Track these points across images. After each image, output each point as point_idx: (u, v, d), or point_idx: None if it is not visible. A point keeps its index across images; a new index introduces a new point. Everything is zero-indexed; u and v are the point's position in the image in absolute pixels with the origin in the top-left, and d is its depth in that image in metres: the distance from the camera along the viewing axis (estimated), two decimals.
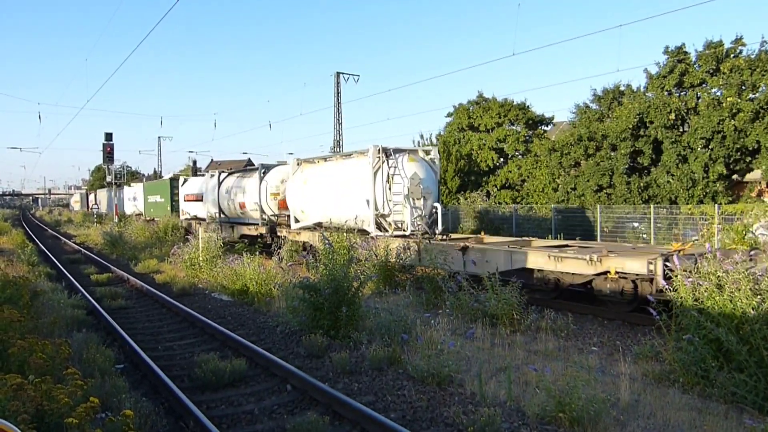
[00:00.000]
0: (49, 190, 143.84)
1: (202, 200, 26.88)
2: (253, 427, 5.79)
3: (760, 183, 22.83)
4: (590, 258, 9.78)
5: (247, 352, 8.13)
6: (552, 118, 32.58)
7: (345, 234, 13.34)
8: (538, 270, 11.04)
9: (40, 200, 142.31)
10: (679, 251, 9.03)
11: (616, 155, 23.52)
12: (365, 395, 6.46)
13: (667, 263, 8.50)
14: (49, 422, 4.02)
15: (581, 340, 8.89)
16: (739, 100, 20.84)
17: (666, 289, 7.25)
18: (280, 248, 16.10)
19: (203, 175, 28.91)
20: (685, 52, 23.36)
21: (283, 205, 20.20)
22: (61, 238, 34.74)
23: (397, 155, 15.36)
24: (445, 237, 14.77)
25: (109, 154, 32.03)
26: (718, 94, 22.17)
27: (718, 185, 21.34)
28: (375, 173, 15.19)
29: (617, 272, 9.62)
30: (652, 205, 20.98)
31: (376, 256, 13.27)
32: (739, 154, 21.17)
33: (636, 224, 21.70)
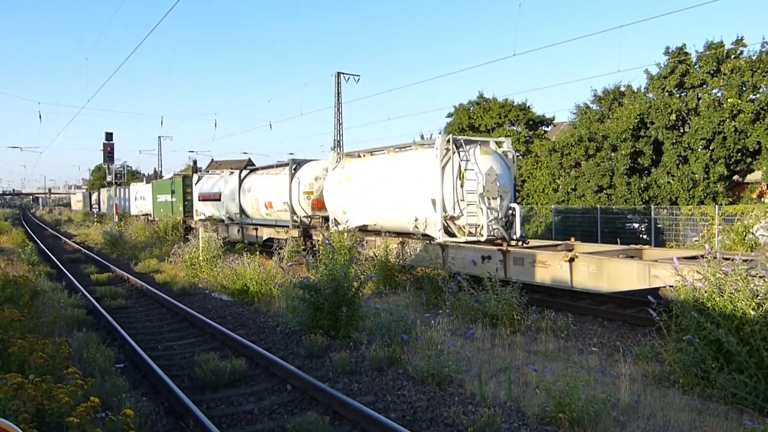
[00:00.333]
0: (50, 190, 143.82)
1: (219, 200, 24.82)
2: (253, 427, 5.79)
3: (760, 184, 22.82)
4: None
5: (247, 351, 8.13)
6: (552, 118, 32.59)
7: (401, 240, 12.68)
8: None
9: (40, 199, 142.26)
10: None
11: (617, 156, 23.51)
12: (365, 395, 6.46)
13: None
14: (49, 421, 4.02)
15: (581, 340, 8.88)
16: (740, 101, 20.83)
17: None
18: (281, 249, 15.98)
19: (219, 173, 27.19)
20: (686, 53, 23.36)
21: (317, 205, 18.59)
22: (61, 237, 34.74)
23: (468, 147, 13.19)
24: (524, 243, 13.14)
25: (109, 153, 32.08)
26: (719, 94, 22.16)
27: (718, 186, 21.34)
28: (443, 168, 12.94)
29: None
30: (652, 206, 20.99)
31: (376, 256, 13.27)
32: (739, 155, 21.17)
33: (636, 225, 21.72)
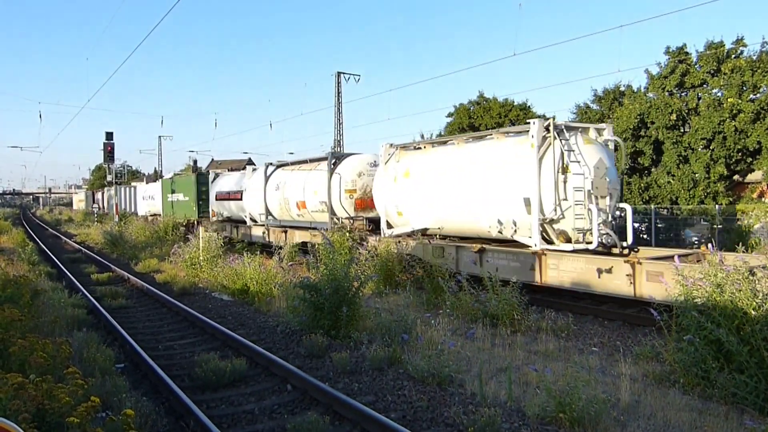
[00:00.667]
0: (50, 189, 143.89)
1: (240, 199, 22.78)
2: (254, 427, 5.79)
3: (761, 184, 22.83)
4: None
5: (247, 351, 8.13)
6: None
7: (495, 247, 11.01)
8: None
9: (41, 199, 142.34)
10: None
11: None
12: (365, 395, 6.46)
13: None
14: (50, 421, 4.02)
15: (582, 340, 8.88)
16: (740, 101, 20.84)
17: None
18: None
19: (239, 170, 25.29)
20: (686, 53, 23.37)
21: (361, 205, 16.52)
22: (62, 237, 34.75)
23: (569, 134, 10.95)
24: (634, 251, 11.20)
25: (109, 153, 32.09)
26: (719, 94, 22.18)
27: (718, 186, 21.35)
28: (541, 160, 10.78)
29: None
30: (653, 206, 20.99)
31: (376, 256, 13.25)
32: (740, 154, 21.18)
33: (636, 225, 21.71)
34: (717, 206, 19.30)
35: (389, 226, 14.78)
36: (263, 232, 20.90)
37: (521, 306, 9.42)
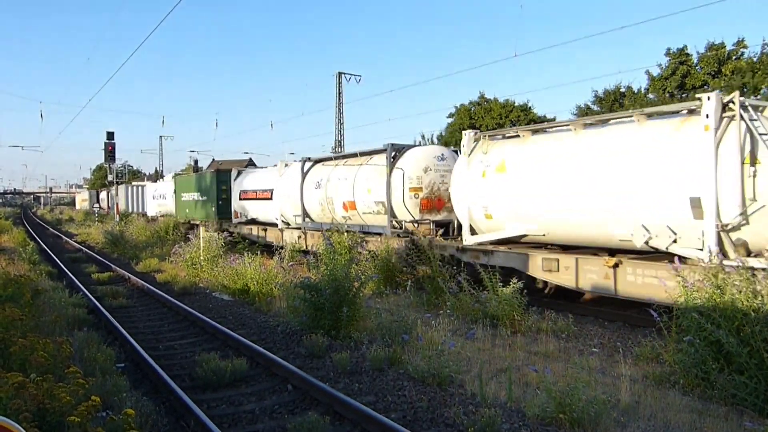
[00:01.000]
0: (51, 189, 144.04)
1: (270, 198, 20.67)
2: (254, 427, 5.79)
3: None
4: None
5: (247, 351, 8.14)
6: (554, 119, 32.65)
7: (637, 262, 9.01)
8: None
9: (42, 198, 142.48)
10: None
11: None
12: (366, 395, 6.46)
13: None
14: (50, 420, 4.02)
15: (582, 341, 8.88)
16: None
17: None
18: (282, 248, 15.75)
19: (273, 166, 22.62)
20: (687, 54, 23.42)
21: (427, 206, 14.29)
22: (62, 236, 34.78)
23: (755, 113, 8.20)
24: None
25: (110, 152, 32.09)
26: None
27: None
28: (718, 146, 8.30)
29: None
30: None
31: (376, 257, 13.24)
32: None
33: None
34: None
35: (473, 231, 12.23)
36: (299, 236, 18.42)
37: (521, 307, 9.42)
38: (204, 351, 8.23)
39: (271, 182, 20.77)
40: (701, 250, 8.42)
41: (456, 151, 14.32)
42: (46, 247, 25.42)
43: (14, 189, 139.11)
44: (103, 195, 59.68)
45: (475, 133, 12.49)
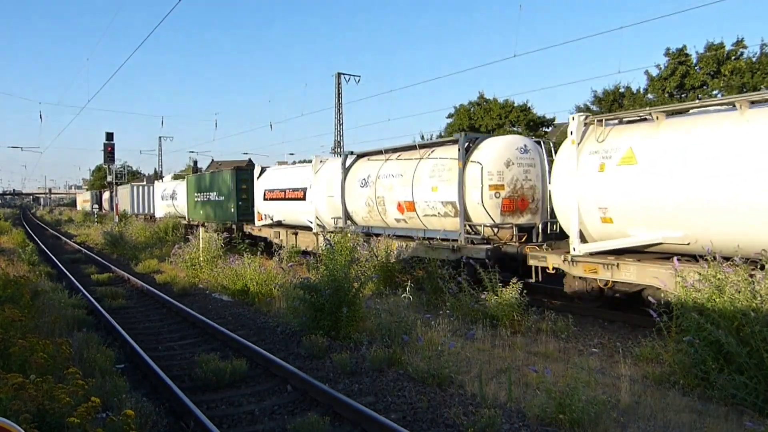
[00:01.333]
0: (50, 190, 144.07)
1: (303, 198, 18.54)
2: (254, 428, 5.79)
3: None
4: None
5: (247, 352, 8.14)
6: (553, 119, 32.71)
7: None
8: None
9: (41, 199, 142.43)
10: None
11: None
12: (366, 396, 6.47)
13: None
14: (50, 421, 4.02)
15: (582, 341, 8.89)
16: None
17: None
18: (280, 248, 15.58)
19: (296, 163, 20.97)
20: (686, 54, 23.42)
21: (509, 206, 12.00)
22: (62, 237, 34.76)
23: None
24: None
25: (110, 153, 32.03)
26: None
27: None
28: None
29: None
30: None
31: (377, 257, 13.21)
32: None
33: None
34: None
35: (582, 238, 9.88)
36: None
37: (521, 307, 9.42)
38: (204, 352, 8.23)
39: (304, 180, 18.54)
40: None
41: (538, 143, 12.68)
42: (45, 248, 25.40)
43: (13, 190, 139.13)
44: (106, 195, 56.22)
45: (586, 117, 10.12)
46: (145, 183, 46.36)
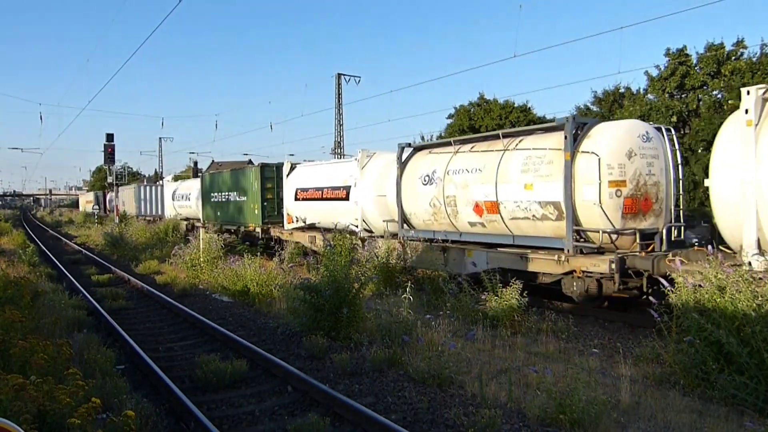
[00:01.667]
0: (50, 191, 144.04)
1: (346, 198, 16.33)
2: (254, 428, 5.79)
3: None
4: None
5: (247, 353, 8.14)
6: (553, 119, 32.61)
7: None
8: None
9: (42, 201, 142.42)
10: None
11: None
12: (366, 396, 6.46)
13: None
14: (50, 422, 4.03)
15: (582, 342, 8.89)
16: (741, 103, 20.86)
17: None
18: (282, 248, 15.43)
19: (335, 158, 18.39)
20: (687, 54, 23.41)
21: (631, 207, 9.83)
22: (62, 238, 34.76)
23: None
24: None
25: (110, 154, 32.00)
26: (720, 96, 22.20)
27: None
28: None
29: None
30: None
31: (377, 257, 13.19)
32: None
33: None
34: None
35: (760, 247, 7.71)
36: (399, 250, 13.58)
37: (521, 307, 9.42)
38: (204, 352, 8.22)
39: (347, 177, 16.41)
40: None
41: (659, 129, 10.61)
42: (45, 249, 25.40)
43: (14, 191, 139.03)
44: (110, 196, 52.41)
45: (765, 91, 7.98)
46: (154, 183, 44.82)
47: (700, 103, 22.42)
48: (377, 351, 7.49)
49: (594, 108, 26.65)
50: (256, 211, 21.08)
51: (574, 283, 9.95)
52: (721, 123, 8.20)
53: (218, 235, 17.79)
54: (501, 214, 11.25)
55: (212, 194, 25.63)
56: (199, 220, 26.92)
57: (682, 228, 10.32)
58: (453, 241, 12.54)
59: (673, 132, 10.85)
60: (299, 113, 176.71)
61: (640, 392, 6.34)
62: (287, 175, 19.70)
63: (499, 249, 11.45)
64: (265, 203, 20.91)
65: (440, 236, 12.80)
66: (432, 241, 12.96)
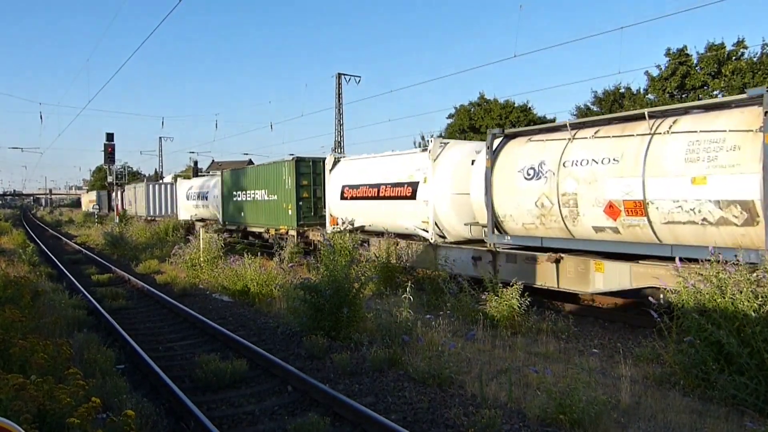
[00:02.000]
0: (50, 191, 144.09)
1: (412, 196, 13.62)
2: (254, 428, 5.79)
3: None
4: None
5: (247, 353, 8.14)
6: (553, 119, 32.66)
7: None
8: None
9: (42, 200, 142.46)
10: None
11: None
12: (366, 396, 6.46)
13: None
14: (50, 422, 4.02)
15: (582, 342, 8.88)
16: None
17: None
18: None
19: (392, 151, 15.40)
20: (687, 55, 23.43)
21: None
22: (62, 238, 34.76)
23: None
24: None
25: (110, 154, 31.98)
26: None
27: None
28: None
29: None
30: None
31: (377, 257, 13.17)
32: None
33: None
34: None
35: None
36: (491, 262, 11.38)
37: (522, 307, 9.42)
38: (204, 352, 8.23)
39: (414, 171, 13.75)
40: None
41: None
42: (45, 249, 25.41)
43: (14, 191, 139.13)
44: (117, 195, 49.23)
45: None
46: (164, 182, 42.49)
47: None
48: (377, 351, 7.49)
49: (594, 108, 26.66)
50: (290, 212, 18.63)
51: None
52: None
53: (238, 239, 15.74)
54: (649, 216, 8.71)
55: (236, 193, 23.09)
56: (218, 221, 24.76)
57: None
58: (569, 251, 10.18)
59: None
60: (299, 113, 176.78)
61: (641, 392, 6.34)
62: (330, 171, 17.06)
63: (640, 262, 9.01)
64: (301, 203, 18.53)
65: (550, 243, 10.35)
66: (534, 249, 10.65)
